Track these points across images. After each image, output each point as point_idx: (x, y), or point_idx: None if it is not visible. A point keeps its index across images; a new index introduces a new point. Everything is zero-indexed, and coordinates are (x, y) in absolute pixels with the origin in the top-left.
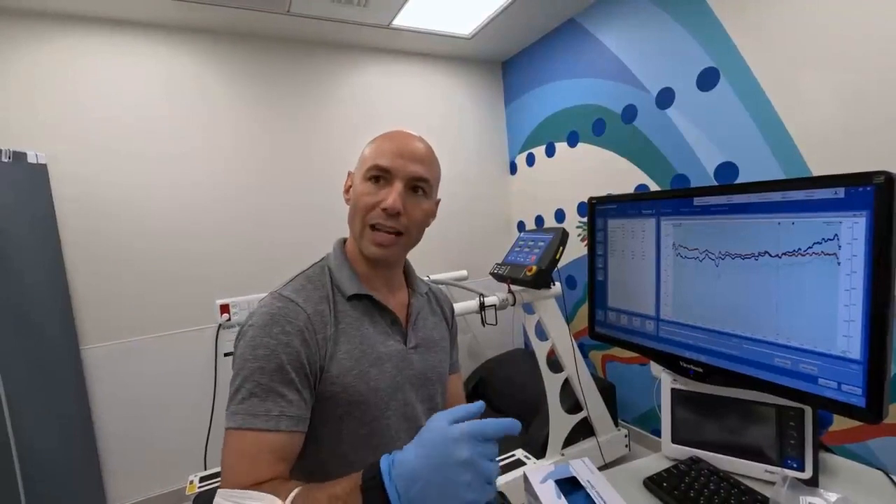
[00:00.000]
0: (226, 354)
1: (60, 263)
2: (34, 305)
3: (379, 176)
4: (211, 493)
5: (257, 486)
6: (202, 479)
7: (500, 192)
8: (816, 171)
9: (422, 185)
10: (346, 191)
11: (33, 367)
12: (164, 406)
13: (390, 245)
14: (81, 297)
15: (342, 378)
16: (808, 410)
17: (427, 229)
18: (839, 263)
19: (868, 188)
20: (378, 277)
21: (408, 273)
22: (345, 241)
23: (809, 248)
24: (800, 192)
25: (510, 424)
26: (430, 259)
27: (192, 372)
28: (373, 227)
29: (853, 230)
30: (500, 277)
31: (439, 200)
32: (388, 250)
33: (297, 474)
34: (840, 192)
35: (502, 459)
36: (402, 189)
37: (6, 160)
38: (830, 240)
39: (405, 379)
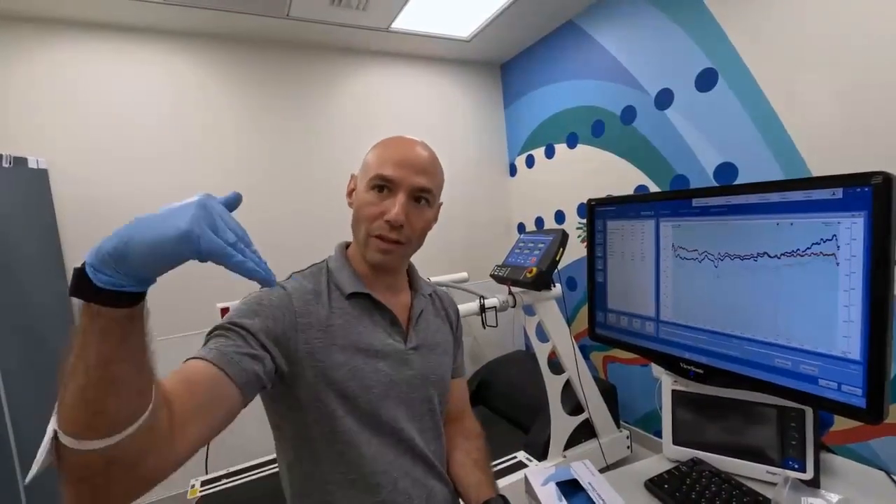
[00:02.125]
0: None
1: (61, 268)
2: (35, 310)
3: (382, 186)
4: (213, 498)
5: None
6: (203, 484)
7: (500, 194)
8: (816, 172)
9: (425, 196)
10: (349, 194)
11: (34, 372)
12: None
13: (392, 252)
14: None
15: (334, 373)
16: (809, 411)
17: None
18: (838, 264)
19: (866, 189)
20: (379, 281)
21: (411, 274)
22: (347, 245)
23: (808, 248)
24: (798, 192)
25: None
26: (430, 261)
27: None
28: (376, 236)
29: (852, 230)
30: (500, 279)
31: (441, 203)
32: (390, 257)
33: (297, 478)
34: (838, 193)
35: (503, 461)
36: (405, 200)
37: (7, 165)
38: (829, 240)
39: (402, 379)
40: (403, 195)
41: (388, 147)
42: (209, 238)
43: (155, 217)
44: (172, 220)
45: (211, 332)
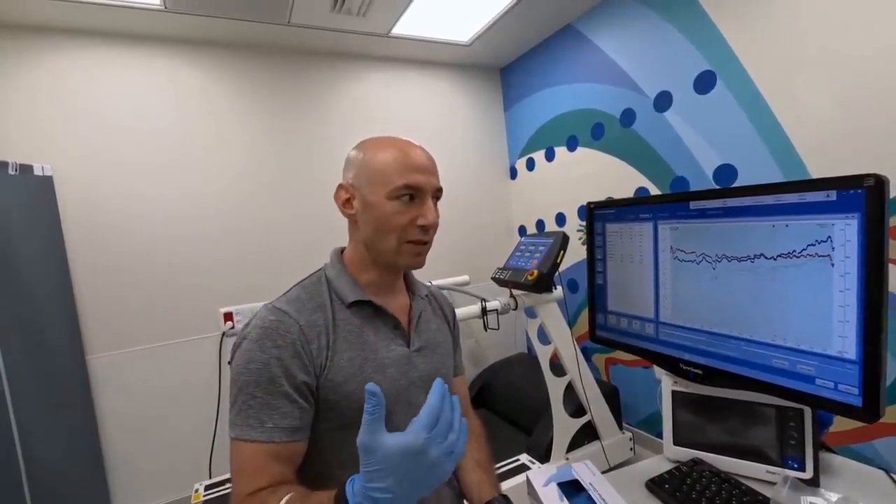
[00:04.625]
0: (229, 362)
1: (66, 273)
2: (41, 315)
3: (412, 195)
4: (216, 502)
5: (257, 492)
6: (207, 488)
7: (501, 197)
8: (814, 172)
9: (439, 195)
10: (345, 203)
11: (40, 376)
12: (168, 414)
13: (424, 254)
14: (87, 306)
15: (345, 386)
16: (808, 411)
17: None
18: (833, 265)
19: (859, 191)
20: (384, 284)
21: (407, 277)
22: (342, 250)
23: (804, 249)
24: (793, 195)
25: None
26: (431, 264)
27: (196, 380)
28: (410, 242)
29: (846, 232)
30: (501, 282)
31: None
32: (423, 258)
33: (305, 479)
34: (832, 195)
35: (506, 464)
36: (433, 204)
37: (13, 172)
38: (824, 241)
39: (409, 382)
40: (430, 200)
41: (396, 153)
42: (453, 463)
43: (411, 481)
44: (431, 481)
45: (252, 394)
